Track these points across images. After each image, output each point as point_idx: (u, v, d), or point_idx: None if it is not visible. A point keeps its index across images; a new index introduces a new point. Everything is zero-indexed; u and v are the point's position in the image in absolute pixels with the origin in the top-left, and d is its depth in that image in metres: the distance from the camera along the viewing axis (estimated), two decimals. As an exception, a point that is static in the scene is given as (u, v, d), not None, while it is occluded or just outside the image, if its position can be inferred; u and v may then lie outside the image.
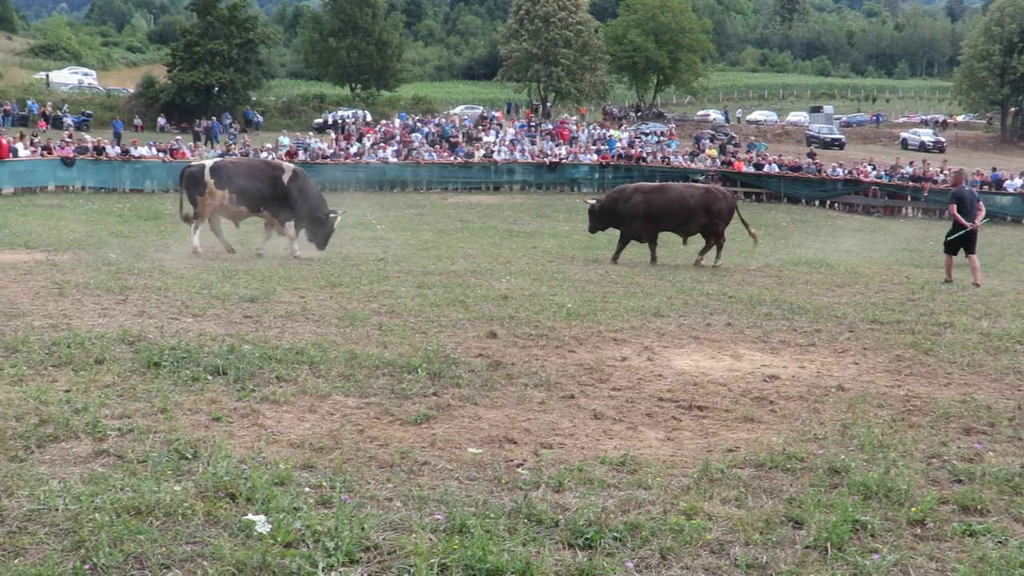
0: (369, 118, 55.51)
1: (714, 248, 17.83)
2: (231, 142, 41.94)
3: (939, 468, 5.70)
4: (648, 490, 5.17)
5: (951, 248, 15.80)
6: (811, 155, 43.68)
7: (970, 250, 15.65)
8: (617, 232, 18.42)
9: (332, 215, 16.69)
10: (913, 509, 4.95)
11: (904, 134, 66.43)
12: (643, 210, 17.71)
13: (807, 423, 6.67)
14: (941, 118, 77.27)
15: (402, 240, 20.87)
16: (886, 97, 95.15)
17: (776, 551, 4.44)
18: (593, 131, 47.05)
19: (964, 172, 17.38)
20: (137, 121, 53.74)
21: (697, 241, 18.82)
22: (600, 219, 18.39)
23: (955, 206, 15.70)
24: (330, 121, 55.55)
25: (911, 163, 39.96)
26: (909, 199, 36.08)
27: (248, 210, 16.69)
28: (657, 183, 20.29)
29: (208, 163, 16.95)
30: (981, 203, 15.95)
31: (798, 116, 74.89)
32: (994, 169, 39.43)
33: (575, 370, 8.09)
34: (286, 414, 6.47)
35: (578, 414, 6.78)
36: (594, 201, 18.88)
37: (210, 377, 7.21)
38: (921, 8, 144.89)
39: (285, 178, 16.46)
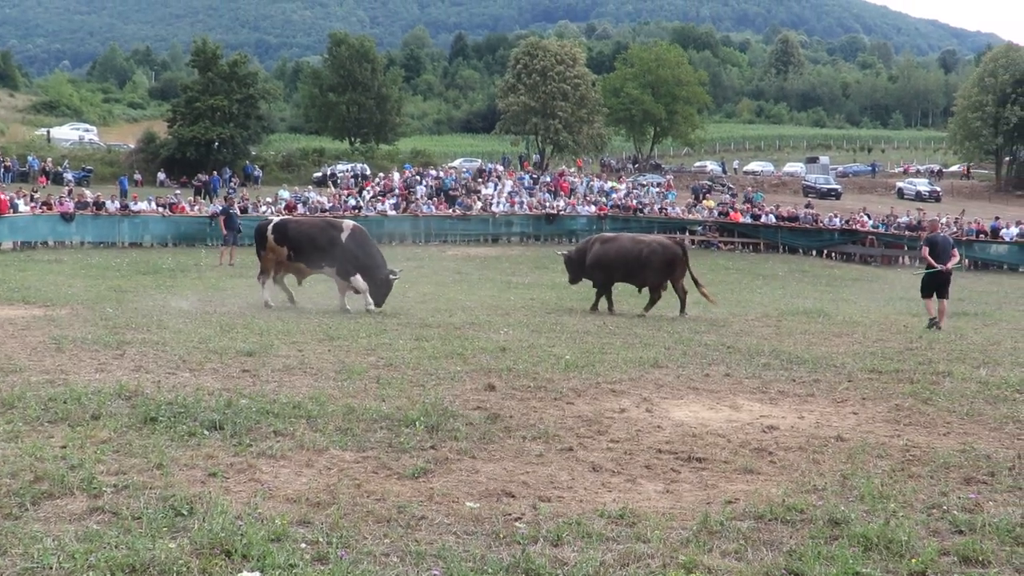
0: (368, 171, 55.89)
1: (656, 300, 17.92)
2: (231, 195, 42.21)
3: (939, 519, 5.67)
4: (647, 543, 5.14)
5: (926, 291, 16.60)
6: (808, 205, 43.93)
7: (942, 295, 16.40)
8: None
9: (392, 275, 16.97)
10: (914, 561, 4.92)
11: (900, 183, 66.92)
12: (598, 259, 18.16)
13: (806, 474, 6.65)
14: (936, 167, 77.86)
15: (400, 292, 20.91)
16: (881, 147, 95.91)
17: (776, 605, 4.40)
18: (591, 183, 47.37)
19: (937, 221, 18.24)
20: (137, 176, 54.12)
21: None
22: (575, 269, 18.88)
23: (927, 249, 16.67)
24: (328, 174, 55.90)
25: (907, 212, 40.21)
26: (906, 248, 36.21)
27: (307, 267, 17.31)
28: (611, 233, 20.59)
29: (273, 221, 17.82)
30: (955, 250, 16.89)
31: (794, 167, 75.43)
32: (996, 218, 39.62)
33: (573, 422, 8.07)
34: (283, 469, 6.44)
35: (576, 467, 6.75)
36: (567, 251, 19.63)
37: (207, 432, 7.19)
38: (915, 60, 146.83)
39: (343, 236, 16.83)
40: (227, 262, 27.09)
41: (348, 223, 17.57)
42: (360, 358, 11.05)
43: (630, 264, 17.91)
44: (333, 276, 17.20)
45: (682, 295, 17.86)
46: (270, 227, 17.51)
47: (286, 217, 18.79)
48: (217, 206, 36.02)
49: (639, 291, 18.80)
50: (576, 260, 18.74)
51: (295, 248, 17.11)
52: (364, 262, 16.76)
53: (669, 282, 17.95)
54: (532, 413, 8.35)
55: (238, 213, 31.58)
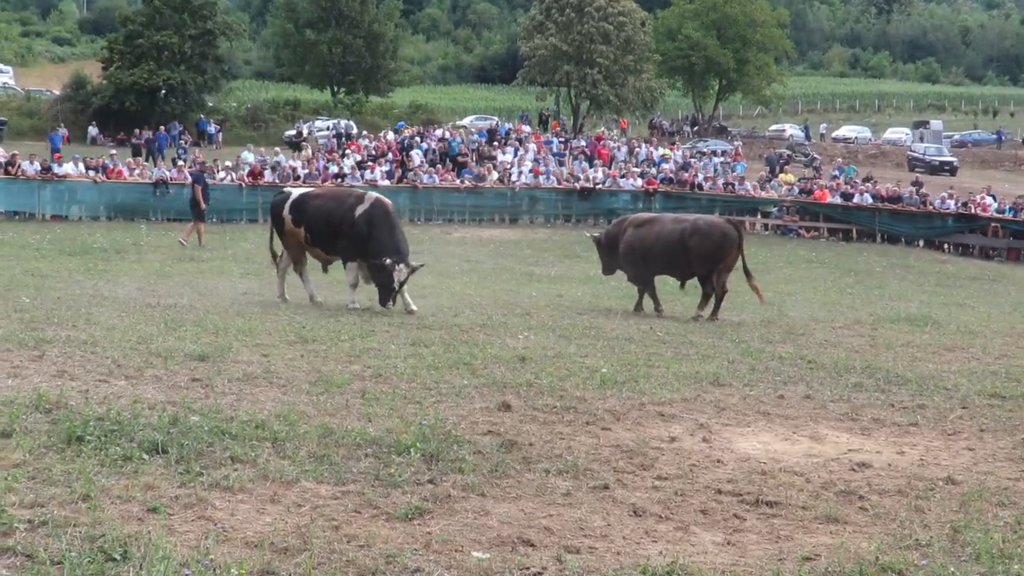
0: (355, 130, 56.02)
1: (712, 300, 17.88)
2: (181, 158, 42.37)
3: (1077, 586, 5.65)
4: (701, 609, 5.14)
5: None
6: (915, 183, 43.65)
7: None
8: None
9: (392, 264, 16.18)
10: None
11: (1034, 156, 66.57)
12: (631, 247, 18.22)
13: (907, 525, 6.63)
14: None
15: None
16: (1010, 110, 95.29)
17: None
18: (637, 149, 47.30)
19: None
20: (63, 131, 54.35)
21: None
22: (607, 257, 19.02)
23: None
24: (305, 134, 56.04)
25: (1042, 194, 39.95)
26: (1040, 240, 35.93)
27: (324, 252, 17.25)
28: (648, 214, 20.57)
29: (292, 195, 17.67)
30: None
31: (898, 133, 75.14)
32: None
33: (610, 453, 8.08)
34: (241, 504, 6.47)
35: (613, 509, 6.76)
36: (598, 233, 19.66)
37: (146, 456, 7.22)
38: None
39: (358, 210, 16.61)
40: (194, 242, 27.20)
41: (371, 195, 17.38)
42: (341, 366, 11.06)
43: (672, 250, 17.91)
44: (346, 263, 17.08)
45: (720, 293, 17.78)
46: (287, 204, 17.34)
47: (307, 190, 18.50)
48: (163, 171, 36.14)
49: (681, 286, 18.78)
50: (608, 246, 18.82)
51: (312, 229, 17.06)
52: (371, 247, 16.34)
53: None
54: (558, 440, 8.36)
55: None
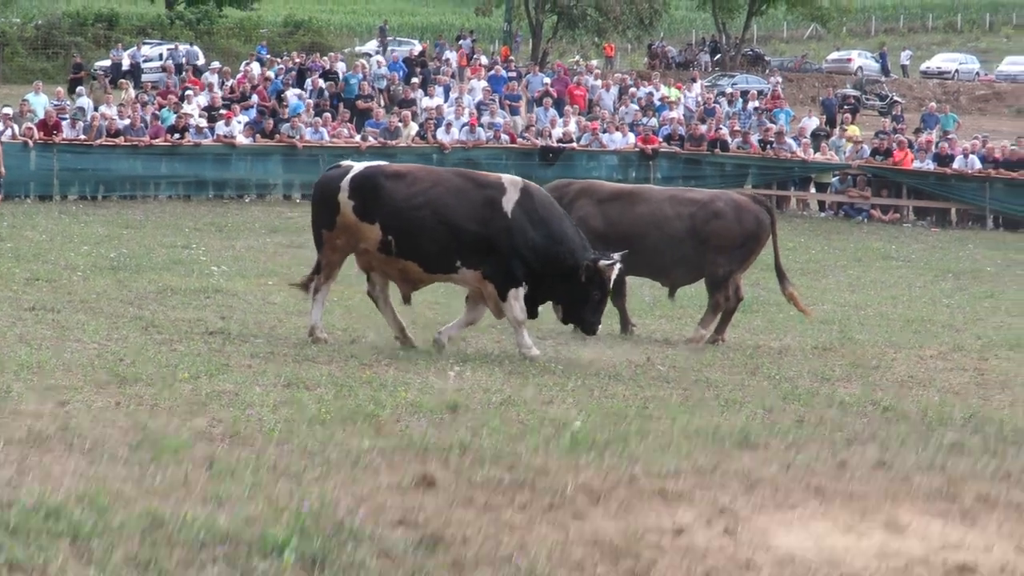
0: (201, 59, 55.79)
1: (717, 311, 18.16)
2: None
3: None
4: None
5: None
6: (1047, 140, 43.95)
7: None
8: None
9: (604, 260, 16.12)
10: None
11: None
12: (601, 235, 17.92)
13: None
14: None
15: (259, 294, 20.87)
16: None
17: None
18: (632, 90, 47.38)
19: None
20: None
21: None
22: None
23: None
24: (125, 65, 55.68)
25: None
26: None
27: (424, 269, 16.57)
28: (618, 184, 20.72)
29: (352, 169, 16.99)
30: None
31: (1019, 64, 75.53)
32: None
33: (585, 554, 8.11)
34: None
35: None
36: None
37: None
38: None
39: (507, 203, 16.31)
40: None
41: (511, 179, 16.93)
42: (178, 420, 11.02)
43: (677, 244, 18.01)
44: (477, 285, 16.54)
45: (733, 302, 18.07)
46: (345, 181, 16.69)
47: (376, 164, 17.81)
48: None
49: (670, 296, 18.96)
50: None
51: (399, 229, 16.43)
52: (541, 254, 16.18)
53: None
54: (506, 535, 8.37)
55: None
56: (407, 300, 17.13)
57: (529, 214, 16.18)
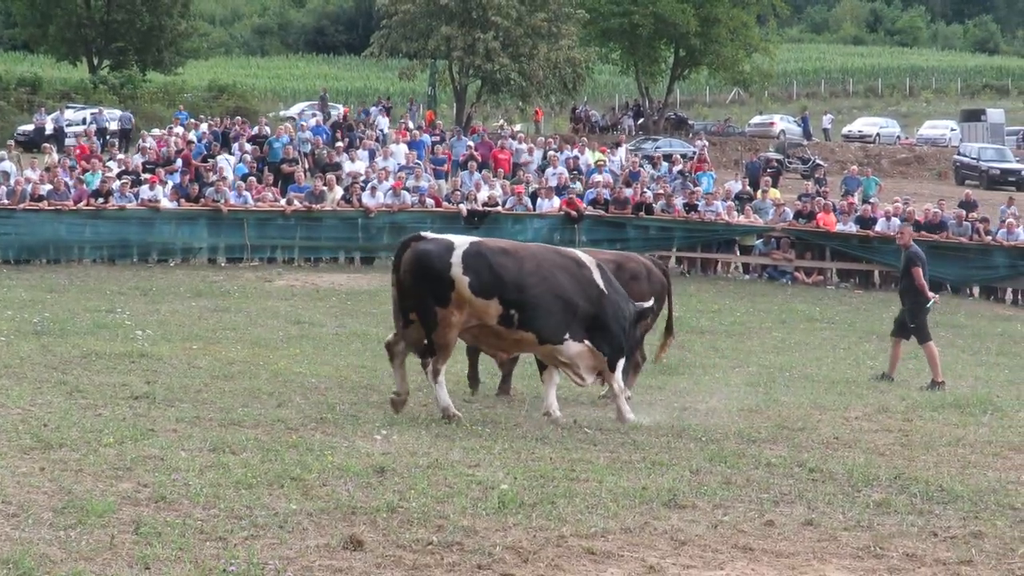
0: (132, 123, 55.59)
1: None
2: None
3: None
4: None
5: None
6: (965, 202, 44.31)
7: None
8: None
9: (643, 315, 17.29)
10: None
11: None
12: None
13: None
14: None
15: (184, 358, 20.76)
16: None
17: None
18: (555, 153, 47.50)
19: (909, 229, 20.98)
20: None
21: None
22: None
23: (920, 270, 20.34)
24: (49, 129, 55.46)
25: None
26: None
27: (540, 338, 16.41)
28: (501, 241, 20.72)
29: (458, 243, 16.49)
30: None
31: (939, 128, 76.42)
32: None
33: (514, 613, 8.08)
34: None
35: None
36: None
37: None
38: None
39: (597, 277, 16.56)
40: None
41: (582, 254, 17.40)
42: (104, 485, 10.96)
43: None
44: (572, 356, 16.52)
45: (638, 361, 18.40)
46: (457, 256, 16.15)
47: (475, 239, 17.21)
48: None
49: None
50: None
51: (519, 301, 16.25)
52: (620, 321, 16.80)
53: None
54: (435, 596, 8.34)
55: None
56: (503, 366, 18.47)
57: (609, 282, 16.78)
